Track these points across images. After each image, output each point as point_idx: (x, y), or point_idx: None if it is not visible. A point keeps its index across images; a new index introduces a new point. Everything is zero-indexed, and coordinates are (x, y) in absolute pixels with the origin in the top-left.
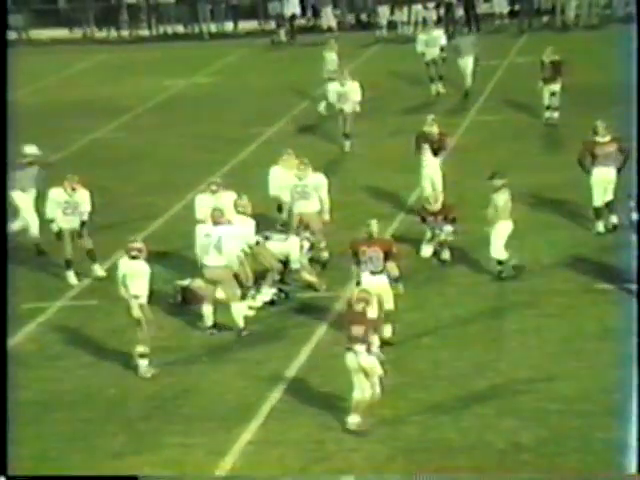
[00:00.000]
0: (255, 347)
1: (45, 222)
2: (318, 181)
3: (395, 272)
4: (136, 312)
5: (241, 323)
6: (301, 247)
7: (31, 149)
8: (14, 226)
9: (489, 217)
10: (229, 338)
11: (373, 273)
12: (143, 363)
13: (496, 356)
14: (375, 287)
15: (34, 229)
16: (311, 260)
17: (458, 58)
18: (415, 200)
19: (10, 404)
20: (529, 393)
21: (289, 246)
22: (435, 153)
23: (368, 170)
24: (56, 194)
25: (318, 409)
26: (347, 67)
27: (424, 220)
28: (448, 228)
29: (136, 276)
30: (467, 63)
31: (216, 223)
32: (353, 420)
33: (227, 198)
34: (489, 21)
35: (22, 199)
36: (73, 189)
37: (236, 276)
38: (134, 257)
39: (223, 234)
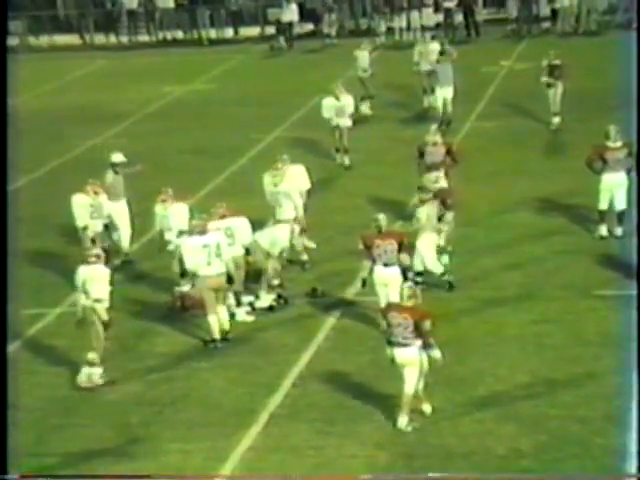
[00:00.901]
0: (254, 353)
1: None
2: (289, 189)
3: (407, 262)
4: (104, 315)
5: (227, 327)
6: (292, 231)
7: (118, 157)
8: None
9: (414, 229)
10: (228, 344)
11: (386, 265)
12: (90, 371)
13: (495, 362)
14: (386, 278)
15: (125, 241)
16: (290, 261)
17: (436, 87)
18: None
19: (10, 409)
20: (529, 399)
21: (278, 232)
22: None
23: (366, 176)
24: (81, 199)
25: (317, 415)
26: (345, 74)
27: (422, 202)
28: (448, 216)
29: (96, 280)
30: (446, 94)
31: (203, 232)
32: (403, 421)
33: (176, 209)
34: (501, 26)
35: (115, 209)
36: (96, 193)
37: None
38: (93, 263)
39: (220, 240)
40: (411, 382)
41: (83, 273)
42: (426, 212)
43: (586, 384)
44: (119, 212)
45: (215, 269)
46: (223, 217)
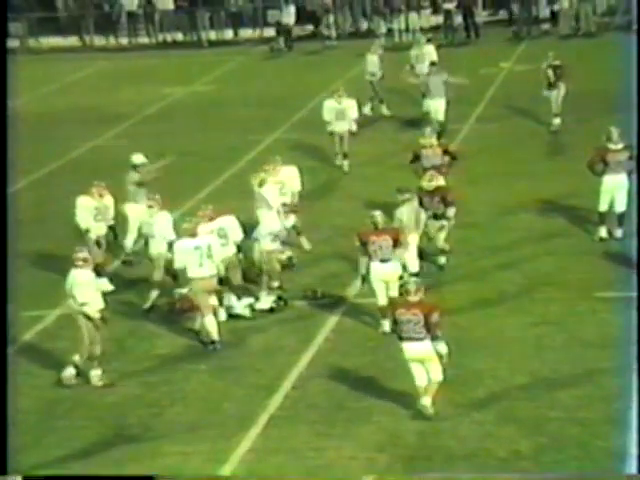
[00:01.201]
0: (254, 354)
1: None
2: (266, 194)
3: (404, 258)
4: (95, 315)
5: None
6: (278, 212)
7: (139, 158)
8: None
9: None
10: (227, 345)
11: (383, 261)
12: (73, 371)
13: (495, 363)
14: (384, 274)
15: (129, 240)
16: (284, 267)
17: (427, 98)
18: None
19: (10, 411)
20: (528, 401)
21: (266, 220)
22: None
23: (367, 179)
24: (85, 202)
25: (317, 417)
26: (345, 76)
27: (421, 202)
28: (449, 212)
29: (82, 285)
30: (437, 107)
31: (193, 235)
32: (427, 402)
33: (161, 217)
34: (501, 28)
35: (134, 210)
36: (101, 195)
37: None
38: (80, 267)
39: (211, 242)
40: (437, 372)
41: (71, 278)
42: (406, 212)
43: (586, 386)
44: (142, 213)
45: (207, 271)
46: (211, 219)
